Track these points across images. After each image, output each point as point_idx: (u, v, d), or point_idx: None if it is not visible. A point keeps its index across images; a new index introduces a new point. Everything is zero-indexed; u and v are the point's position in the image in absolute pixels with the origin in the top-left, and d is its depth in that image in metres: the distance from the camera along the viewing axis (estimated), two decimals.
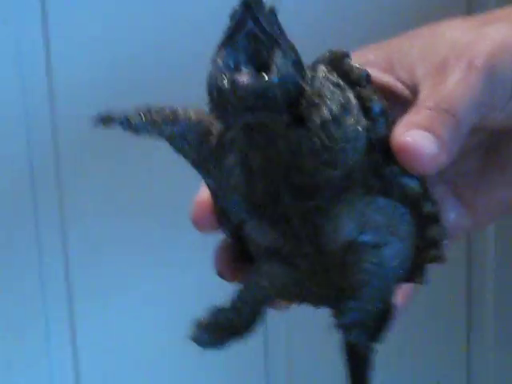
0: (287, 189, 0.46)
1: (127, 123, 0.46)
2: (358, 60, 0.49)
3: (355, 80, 0.46)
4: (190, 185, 0.48)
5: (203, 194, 0.50)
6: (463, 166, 0.53)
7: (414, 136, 0.45)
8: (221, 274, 0.51)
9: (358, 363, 0.50)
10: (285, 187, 0.46)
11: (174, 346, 0.84)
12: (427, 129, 0.46)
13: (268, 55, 0.43)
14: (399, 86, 0.50)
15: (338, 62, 0.46)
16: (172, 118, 0.46)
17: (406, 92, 0.50)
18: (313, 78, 0.45)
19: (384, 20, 0.86)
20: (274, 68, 0.43)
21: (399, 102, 0.49)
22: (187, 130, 0.46)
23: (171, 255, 0.88)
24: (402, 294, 0.50)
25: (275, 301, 0.50)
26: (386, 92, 0.50)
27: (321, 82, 0.45)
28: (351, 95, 0.45)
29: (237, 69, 0.43)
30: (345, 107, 0.44)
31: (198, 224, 0.50)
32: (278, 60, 0.43)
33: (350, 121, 0.44)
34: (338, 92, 0.45)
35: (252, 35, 0.43)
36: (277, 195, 0.46)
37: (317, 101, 0.44)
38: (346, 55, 0.47)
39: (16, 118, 0.81)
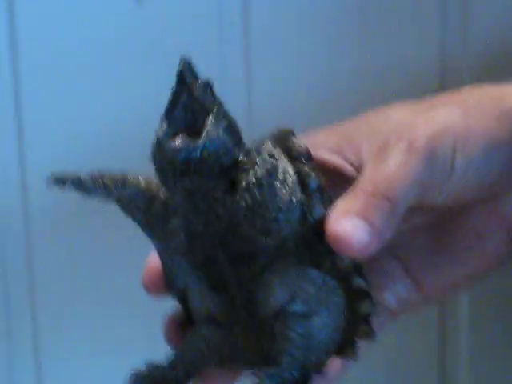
0: (224, 254, 0.48)
1: (79, 184, 0.48)
2: (309, 141, 0.51)
3: (296, 156, 0.48)
4: None
5: (154, 257, 0.51)
6: (413, 243, 0.54)
7: (346, 225, 0.46)
8: (169, 342, 0.53)
9: None
10: (222, 252, 0.48)
11: None
12: (361, 216, 0.47)
13: (202, 123, 0.46)
14: (348, 168, 0.51)
15: (282, 139, 0.49)
16: (121, 182, 0.48)
17: (354, 173, 0.51)
18: (251, 149, 0.48)
19: (355, 96, 0.88)
20: (203, 133, 0.46)
21: (348, 183, 0.50)
22: (135, 194, 0.49)
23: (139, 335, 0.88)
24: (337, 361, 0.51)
25: (208, 367, 0.52)
26: (335, 173, 0.51)
27: (258, 153, 0.47)
28: (290, 169, 0.48)
29: (172, 138, 0.46)
30: (272, 173, 0.46)
31: (148, 287, 0.52)
32: (209, 126, 0.46)
33: (284, 192, 0.47)
34: (271, 161, 0.47)
35: (188, 106, 0.47)
36: (215, 260, 0.48)
37: (246, 166, 0.46)
38: (291, 133, 0.49)
39: None
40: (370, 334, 0.50)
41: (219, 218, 0.47)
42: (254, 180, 0.46)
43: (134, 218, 0.49)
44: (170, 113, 0.47)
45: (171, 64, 0.48)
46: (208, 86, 0.47)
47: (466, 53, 0.89)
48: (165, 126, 0.46)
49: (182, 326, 0.53)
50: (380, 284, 0.53)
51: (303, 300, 0.48)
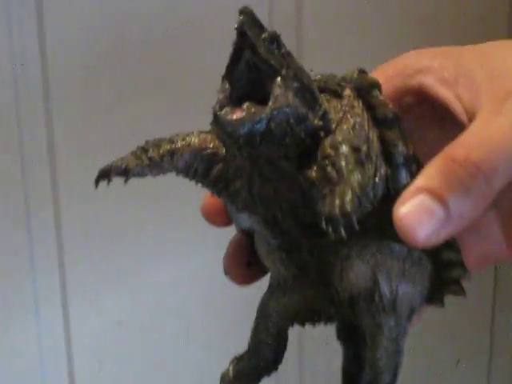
0: (294, 221, 0.43)
1: (125, 172, 0.43)
2: (421, 62, 0.45)
3: (380, 118, 0.42)
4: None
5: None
6: None
7: (411, 209, 0.39)
8: (227, 273, 0.50)
9: None
10: (292, 219, 0.43)
11: None
12: (435, 193, 0.39)
13: (270, 84, 0.39)
14: (458, 108, 0.44)
15: (365, 92, 0.42)
16: (170, 153, 0.43)
17: (464, 117, 0.44)
18: (326, 112, 0.41)
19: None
20: (270, 100, 0.39)
21: (454, 126, 0.43)
22: (192, 159, 0.43)
23: None
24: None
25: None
26: (440, 108, 0.45)
27: (342, 128, 0.41)
28: (373, 136, 0.41)
29: (236, 103, 0.39)
30: (364, 186, 0.40)
31: (208, 216, 0.48)
32: (276, 90, 0.39)
33: (366, 172, 0.40)
34: (353, 157, 0.40)
35: (252, 64, 0.39)
36: (282, 223, 0.43)
37: (329, 172, 0.40)
38: (375, 85, 0.43)
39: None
40: (460, 293, 0.47)
41: (290, 188, 0.41)
42: (337, 206, 0.39)
43: (195, 181, 0.44)
44: (231, 72, 0.39)
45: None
46: (274, 39, 0.40)
47: None
48: (225, 86, 0.39)
49: (242, 260, 0.49)
50: (471, 240, 0.47)
51: (385, 275, 0.44)
